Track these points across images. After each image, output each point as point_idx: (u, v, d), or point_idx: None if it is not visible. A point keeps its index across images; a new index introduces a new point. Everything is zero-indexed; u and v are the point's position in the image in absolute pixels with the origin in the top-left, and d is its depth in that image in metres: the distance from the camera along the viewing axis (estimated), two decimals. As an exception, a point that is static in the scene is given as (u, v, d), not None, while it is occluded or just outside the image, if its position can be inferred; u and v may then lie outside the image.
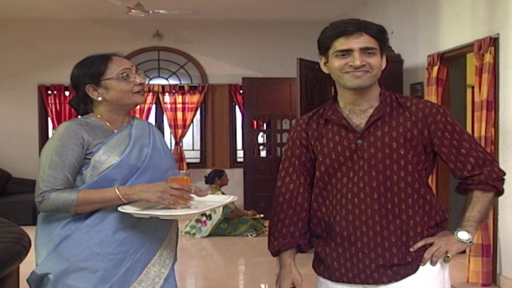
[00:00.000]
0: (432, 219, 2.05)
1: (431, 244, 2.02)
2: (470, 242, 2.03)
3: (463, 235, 2.02)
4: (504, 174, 2.08)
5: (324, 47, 2.05)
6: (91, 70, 2.24)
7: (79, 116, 2.34)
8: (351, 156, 2.02)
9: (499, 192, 2.09)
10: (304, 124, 2.16)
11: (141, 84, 2.27)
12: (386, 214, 1.99)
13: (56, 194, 2.12)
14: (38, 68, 9.13)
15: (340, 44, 1.98)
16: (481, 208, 2.07)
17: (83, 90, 2.26)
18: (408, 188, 2.00)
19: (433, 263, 2.01)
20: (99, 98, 2.25)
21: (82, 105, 2.32)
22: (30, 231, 3.44)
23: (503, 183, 2.09)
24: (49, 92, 9.20)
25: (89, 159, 2.17)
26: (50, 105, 9.17)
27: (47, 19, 9.09)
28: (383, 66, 2.05)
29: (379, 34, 2.01)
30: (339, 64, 2.00)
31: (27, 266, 2.35)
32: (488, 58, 4.91)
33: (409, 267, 2.01)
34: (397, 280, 2.01)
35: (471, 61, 5.36)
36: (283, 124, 9.01)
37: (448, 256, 2.01)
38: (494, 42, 4.93)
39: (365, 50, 1.97)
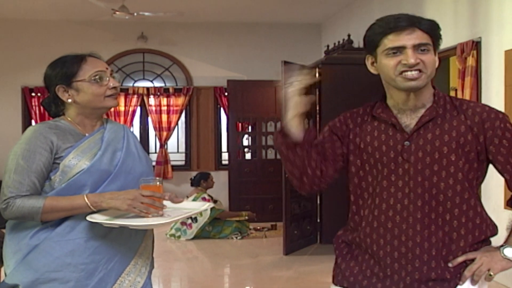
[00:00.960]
0: (483, 233, 1.88)
1: (472, 260, 1.84)
2: None
3: (510, 252, 1.85)
4: None
5: (372, 45, 1.88)
6: (63, 70, 2.15)
7: (51, 118, 2.24)
8: (396, 158, 1.86)
9: None
10: (344, 118, 2.01)
11: (114, 88, 2.17)
12: (429, 224, 1.83)
13: (22, 200, 2.02)
14: (21, 70, 9.06)
15: (391, 41, 1.81)
16: None
17: (54, 91, 2.18)
18: (456, 198, 1.83)
19: (474, 282, 1.84)
20: (69, 100, 2.16)
21: (54, 107, 2.23)
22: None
23: None
24: (33, 94, 9.14)
25: (58, 163, 2.07)
26: (33, 107, 9.11)
27: (31, 20, 9.04)
28: (437, 63, 1.86)
29: (433, 29, 1.84)
30: (390, 64, 1.82)
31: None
32: (470, 61, 4.97)
33: (445, 285, 1.84)
34: None
35: (454, 64, 5.42)
36: (268, 126, 9.02)
37: (490, 275, 1.83)
38: (476, 45, 4.99)
39: (418, 47, 1.80)
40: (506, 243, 1.88)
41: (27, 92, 9.12)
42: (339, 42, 7.49)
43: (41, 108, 9.01)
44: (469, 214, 1.85)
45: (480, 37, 4.99)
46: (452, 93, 6.87)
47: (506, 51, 4.67)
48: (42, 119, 9.00)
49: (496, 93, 4.82)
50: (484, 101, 4.97)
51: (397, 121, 1.88)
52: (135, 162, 2.22)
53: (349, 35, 7.19)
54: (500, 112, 1.90)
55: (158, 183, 2.10)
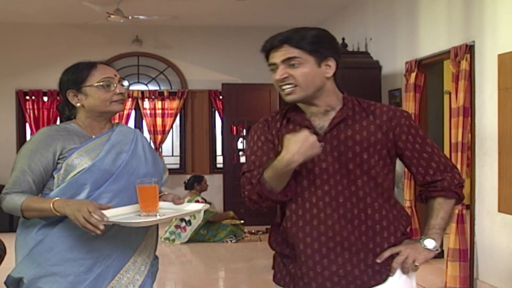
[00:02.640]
0: (397, 229, 2.00)
1: (397, 254, 1.97)
2: (437, 250, 2.01)
3: (429, 243, 2.00)
4: (464, 181, 2.08)
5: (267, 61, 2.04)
6: (74, 76, 2.28)
7: (64, 121, 2.37)
8: (313, 158, 1.91)
9: (460, 199, 2.07)
10: (266, 122, 2.07)
11: (121, 93, 2.28)
12: (351, 219, 1.94)
13: (10, 197, 2.17)
14: (16, 73, 9.05)
15: (270, 58, 2.00)
16: (445, 215, 2.05)
17: (66, 96, 2.30)
18: (373, 193, 1.96)
19: (405, 273, 1.98)
20: (78, 104, 2.29)
21: (67, 110, 2.36)
22: (7, 238, 3.40)
23: (463, 190, 2.08)
24: (27, 97, 9.11)
25: (61, 163, 2.19)
26: (28, 110, 9.08)
27: (26, 23, 9.02)
28: (328, 73, 1.96)
29: (302, 43, 1.91)
30: (274, 78, 1.98)
31: (3, 274, 2.34)
32: (464, 65, 4.98)
33: (377, 276, 1.96)
34: None
35: (448, 67, 5.43)
36: (263, 130, 9.02)
37: (416, 265, 1.98)
38: (469, 49, 5.00)
39: (288, 62, 1.92)
40: (424, 234, 2.03)
41: (21, 95, 9.09)
42: (333, 45, 7.49)
43: (36, 111, 9.05)
44: (385, 207, 1.98)
45: (473, 41, 5.01)
46: (446, 97, 6.90)
47: (499, 55, 4.69)
48: (36, 122, 9.00)
49: (489, 97, 4.84)
50: (477, 104, 4.99)
51: (310, 123, 1.98)
52: (140, 164, 2.31)
53: (343, 39, 7.21)
54: (404, 110, 2.06)
55: (153, 183, 2.16)
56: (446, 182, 2.02)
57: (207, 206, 2.44)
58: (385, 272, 1.97)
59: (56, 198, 2.13)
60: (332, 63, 1.97)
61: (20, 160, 2.20)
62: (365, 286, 1.95)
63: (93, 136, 2.29)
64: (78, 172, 2.18)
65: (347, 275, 1.94)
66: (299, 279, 1.97)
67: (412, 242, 2.02)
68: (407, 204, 5.82)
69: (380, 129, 1.97)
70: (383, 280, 1.96)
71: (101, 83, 2.25)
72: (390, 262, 1.97)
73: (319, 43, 1.94)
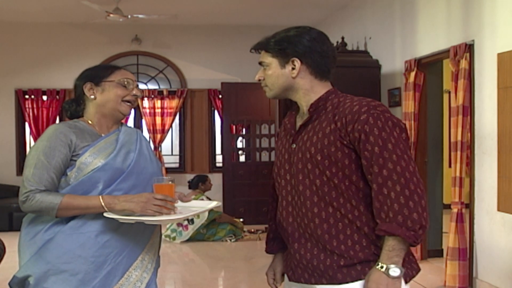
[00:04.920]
0: (347, 239, 1.90)
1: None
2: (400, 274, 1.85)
3: (394, 271, 1.82)
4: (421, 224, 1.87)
5: None
6: (96, 71, 2.37)
7: (68, 120, 2.41)
8: (289, 159, 2.01)
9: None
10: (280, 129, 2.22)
11: (135, 95, 2.36)
12: (317, 213, 1.91)
13: (41, 195, 2.14)
14: (15, 72, 9.05)
15: None
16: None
17: (82, 88, 2.35)
18: (330, 196, 1.90)
19: None
20: (92, 97, 2.33)
21: (75, 106, 2.40)
22: (6, 238, 3.41)
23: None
24: (27, 96, 9.11)
25: (75, 160, 2.21)
26: (27, 109, 9.08)
27: (25, 22, 9.01)
28: (293, 73, 1.98)
29: (266, 47, 2.03)
30: None
31: (2, 273, 2.34)
32: (463, 64, 4.99)
33: (343, 272, 1.89)
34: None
35: (447, 67, 5.44)
36: (262, 128, 9.03)
37: None
38: (469, 48, 5.01)
39: (261, 65, 2.06)
40: (386, 259, 1.84)
41: (20, 95, 9.09)
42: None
43: (35, 110, 9.04)
44: (331, 216, 1.91)
45: (473, 40, 5.02)
46: (446, 96, 6.90)
47: (498, 54, 4.69)
48: (35, 121, 9.00)
49: (489, 96, 4.84)
50: (477, 103, 4.99)
51: (287, 126, 2.08)
52: (147, 163, 2.37)
53: (342, 38, 7.21)
54: (374, 110, 1.89)
55: (170, 182, 2.23)
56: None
57: (219, 203, 2.48)
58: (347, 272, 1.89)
59: (103, 195, 2.17)
60: (296, 64, 1.99)
61: (39, 157, 2.18)
62: (334, 280, 1.91)
63: (102, 135, 2.33)
64: (92, 170, 2.20)
65: (318, 264, 1.94)
66: (288, 267, 2.09)
67: (374, 275, 1.84)
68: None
69: (336, 130, 1.89)
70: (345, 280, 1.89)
71: (121, 81, 2.33)
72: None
73: (281, 45, 1.99)
